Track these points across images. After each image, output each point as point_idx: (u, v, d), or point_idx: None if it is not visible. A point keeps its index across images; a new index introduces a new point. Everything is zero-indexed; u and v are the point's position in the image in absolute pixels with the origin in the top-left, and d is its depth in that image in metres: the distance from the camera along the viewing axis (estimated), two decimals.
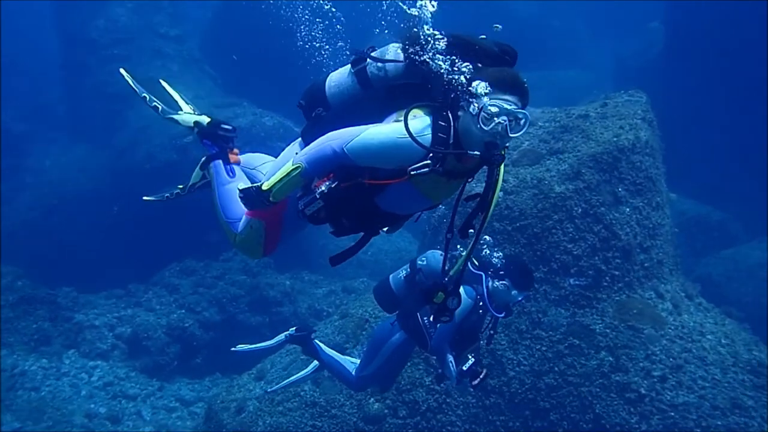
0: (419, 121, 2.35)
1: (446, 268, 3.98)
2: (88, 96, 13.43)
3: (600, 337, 5.60)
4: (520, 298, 4.11)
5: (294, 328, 4.70)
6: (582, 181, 5.91)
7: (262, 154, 3.22)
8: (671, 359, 5.42)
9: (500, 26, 3.04)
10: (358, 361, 4.64)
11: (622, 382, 5.38)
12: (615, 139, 6.14)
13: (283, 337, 4.69)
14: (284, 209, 2.74)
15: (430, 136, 2.31)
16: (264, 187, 2.42)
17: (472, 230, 2.54)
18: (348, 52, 2.75)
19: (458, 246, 4.02)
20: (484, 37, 2.52)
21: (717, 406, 5.14)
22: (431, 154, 2.28)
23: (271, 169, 2.90)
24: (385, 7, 2.82)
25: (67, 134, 14.64)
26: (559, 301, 5.79)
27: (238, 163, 3.10)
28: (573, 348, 5.62)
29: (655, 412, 5.22)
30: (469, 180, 2.50)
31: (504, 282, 4.05)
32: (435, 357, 4.39)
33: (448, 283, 2.73)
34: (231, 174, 3.04)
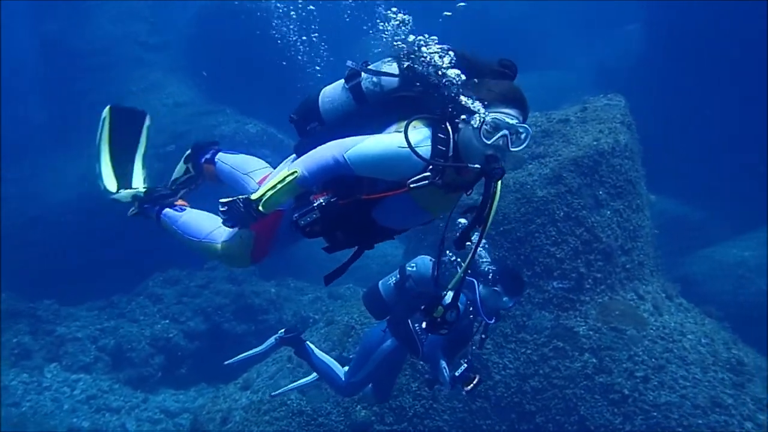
0: (419, 133, 2.34)
1: (436, 274, 4.02)
2: (68, 105, 13.31)
3: (584, 339, 5.66)
4: (511, 304, 4.14)
5: (283, 330, 4.68)
6: (564, 185, 5.97)
7: (257, 159, 3.16)
8: (653, 360, 5.49)
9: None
10: (346, 368, 4.64)
11: (606, 384, 5.44)
12: (595, 143, 6.22)
13: (273, 340, 4.67)
14: (278, 224, 2.71)
15: (429, 147, 2.30)
16: (253, 197, 2.36)
17: (468, 242, 2.53)
18: (335, 61, 2.74)
19: (447, 251, 4.05)
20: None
21: (698, 405, 5.22)
22: (431, 167, 2.27)
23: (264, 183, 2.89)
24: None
25: (47, 143, 14.48)
26: (543, 304, 5.84)
27: (182, 206, 3.14)
28: (557, 350, 5.67)
29: (639, 413, 5.28)
30: (468, 193, 2.49)
31: (495, 288, 4.07)
32: (427, 363, 4.39)
33: (447, 295, 2.70)
34: (180, 210, 3.12)
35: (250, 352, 4.65)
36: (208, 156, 3.20)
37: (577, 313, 5.81)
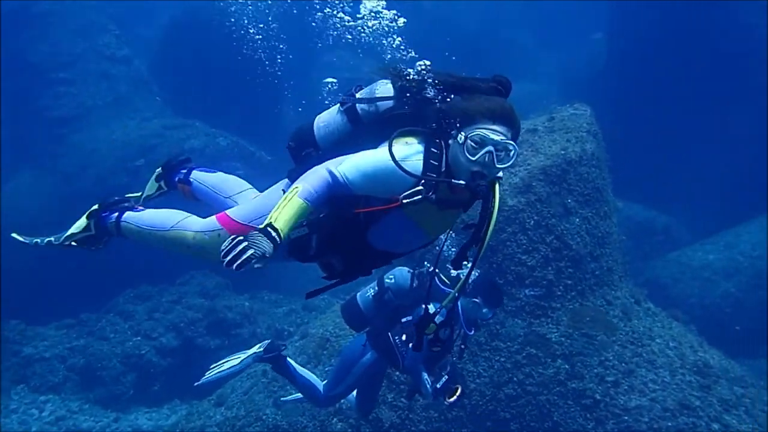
0: (409, 147, 2.32)
1: (414, 285, 4.04)
2: (32, 121, 13.03)
3: (556, 345, 5.75)
4: (490, 316, 4.17)
5: (261, 349, 4.57)
6: (533, 194, 6.07)
7: (236, 179, 3.08)
8: (623, 364, 5.60)
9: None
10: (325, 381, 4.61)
11: (578, 389, 5.53)
12: (563, 152, 6.34)
13: (250, 359, 4.56)
14: None
15: (421, 162, 2.27)
16: (264, 224, 2.15)
17: (465, 261, 2.49)
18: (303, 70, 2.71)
19: (425, 263, 4.07)
20: None
21: (667, 408, 5.33)
22: (422, 181, 2.24)
23: (255, 206, 2.74)
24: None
25: (10, 160, 14.15)
26: (516, 312, 5.92)
27: (141, 209, 3.03)
28: (530, 357, 5.75)
29: (610, 417, 5.38)
30: (465, 211, 2.46)
31: (476, 299, 4.09)
32: (408, 375, 4.38)
33: (440, 314, 2.66)
34: (140, 208, 3.02)
35: (224, 371, 4.52)
36: (181, 176, 3.11)
37: (549, 319, 5.89)
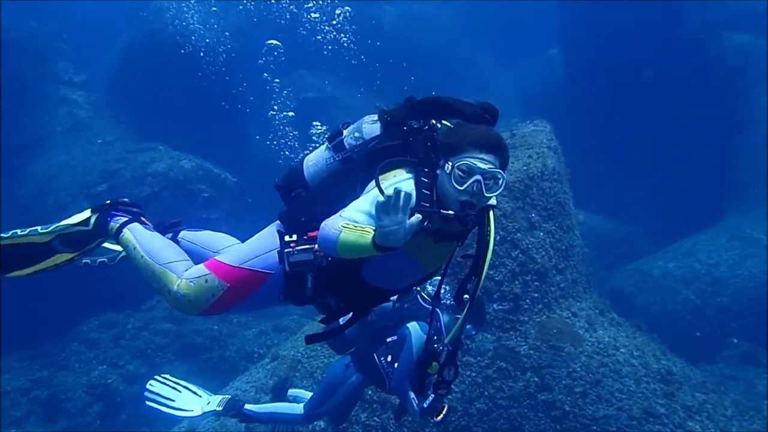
0: (398, 180, 2.29)
1: (396, 305, 4.06)
2: None
3: (525, 358, 5.85)
4: (474, 333, 4.22)
5: (221, 409, 4.45)
6: (498, 209, 6.17)
7: (225, 235, 3.03)
8: (590, 375, 5.73)
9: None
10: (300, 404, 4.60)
11: (548, 401, 5.62)
12: (525, 168, 6.50)
13: (211, 413, 4.43)
14: (258, 287, 2.57)
15: (413, 194, 2.20)
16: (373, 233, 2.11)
17: (467, 295, 2.45)
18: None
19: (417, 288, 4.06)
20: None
21: (633, 417, 5.47)
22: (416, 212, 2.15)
23: (247, 249, 2.68)
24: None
25: None
26: (485, 327, 5.99)
27: (150, 226, 2.89)
28: (501, 371, 5.82)
29: (579, 428, 5.49)
30: (460, 243, 2.42)
31: (458, 317, 4.13)
32: (394, 395, 4.33)
33: (442, 351, 2.57)
34: (149, 228, 2.86)
35: (178, 413, 4.30)
36: (170, 237, 3.00)
37: (518, 333, 5.99)
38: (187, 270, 2.64)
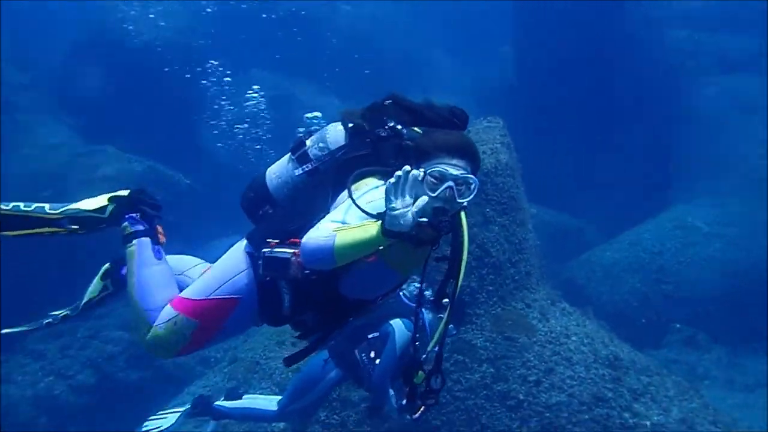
0: (371, 190, 2.25)
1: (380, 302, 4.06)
2: None
3: (481, 350, 5.96)
4: (454, 332, 4.26)
5: (188, 406, 4.42)
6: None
7: (189, 257, 2.89)
8: (543, 363, 5.88)
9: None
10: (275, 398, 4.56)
11: (503, 391, 5.75)
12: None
13: (181, 417, 4.38)
14: (229, 314, 2.46)
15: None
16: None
17: (445, 299, 2.42)
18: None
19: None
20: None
21: (584, 402, 5.65)
22: None
23: (213, 277, 2.53)
24: None
25: None
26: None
27: (163, 243, 2.69)
28: (458, 364, 5.92)
29: (533, 415, 5.63)
30: (434, 248, 2.37)
31: (441, 316, 4.14)
32: (372, 393, 4.29)
33: (428, 356, 2.50)
34: (158, 255, 2.63)
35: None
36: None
37: (474, 326, 6.09)
38: (158, 316, 2.51)
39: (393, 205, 2.05)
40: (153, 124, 12.71)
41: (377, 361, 4.07)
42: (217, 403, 4.54)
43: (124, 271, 2.77)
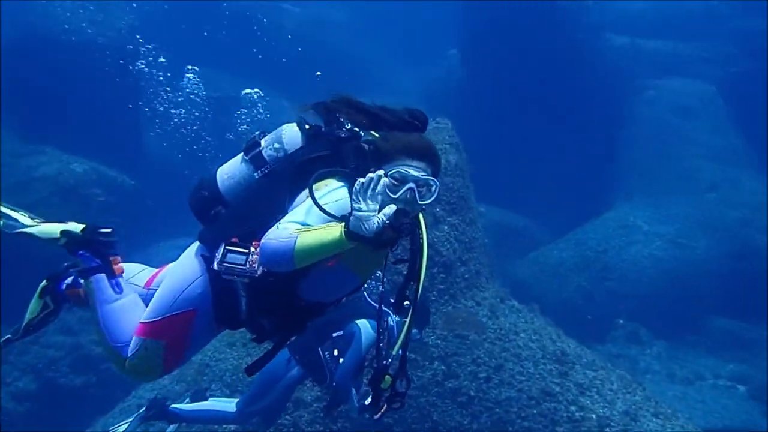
0: (331, 190, 2.21)
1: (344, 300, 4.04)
2: None
3: (433, 348, 6.04)
4: (418, 337, 4.28)
5: (143, 409, 4.31)
6: None
7: (134, 263, 2.81)
8: (493, 360, 6.01)
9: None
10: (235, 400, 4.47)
11: (454, 388, 5.84)
12: None
13: (137, 421, 4.26)
14: (192, 326, 2.42)
15: (348, 203, 2.13)
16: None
17: (407, 302, 2.42)
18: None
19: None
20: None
21: (532, 397, 5.80)
22: None
23: (169, 290, 2.47)
24: None
25: None
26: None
27: (121, 274, 2.60)
28: (410, 362, 5.91)
29: (484, 411, 5.75)
30: (392, 249, 2.37)
31: (405, 320, 4.15)
32: (334, 391, 4.29)
33: (393, 360, 2.49)
34: (117, 289, 2.55)
35: None
36: (69, 281, 2.73)
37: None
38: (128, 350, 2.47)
39: (359, 206, 2.04)
40: (92, 125, 12.29)
41: (341, 360, 4.06)
42: (175, 405, 4.43)
43: (63, 286, 2.72)
